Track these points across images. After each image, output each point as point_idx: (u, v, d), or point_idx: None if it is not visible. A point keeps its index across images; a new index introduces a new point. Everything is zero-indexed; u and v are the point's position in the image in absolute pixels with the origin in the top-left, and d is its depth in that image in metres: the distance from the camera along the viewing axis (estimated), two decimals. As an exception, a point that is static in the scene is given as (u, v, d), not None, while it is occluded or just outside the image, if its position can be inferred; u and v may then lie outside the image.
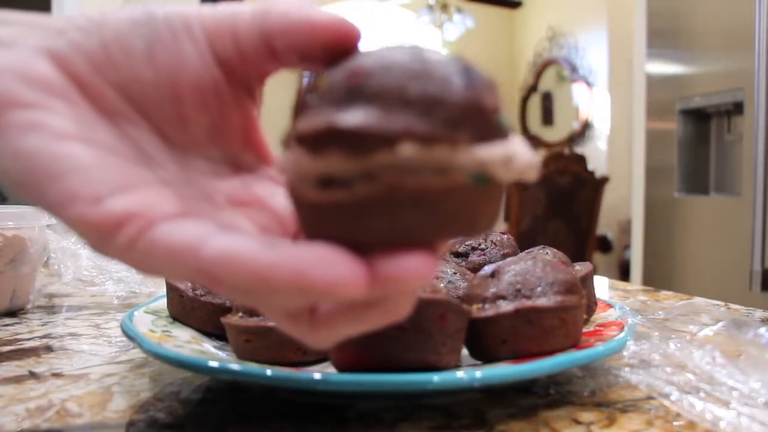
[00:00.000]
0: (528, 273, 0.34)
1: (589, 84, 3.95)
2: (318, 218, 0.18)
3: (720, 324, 0.44)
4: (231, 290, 0.18)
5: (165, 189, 0.20)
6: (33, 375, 0.37)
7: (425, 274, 0.17)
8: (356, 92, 0.17)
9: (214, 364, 0.30)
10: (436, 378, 0.28)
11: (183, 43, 0.21)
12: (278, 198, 0.23)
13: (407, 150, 0.16)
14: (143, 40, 0.20)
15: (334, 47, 0.20)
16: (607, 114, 3.85)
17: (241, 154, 0.24)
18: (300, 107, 0.19)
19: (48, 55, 0.20)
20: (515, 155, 0.17)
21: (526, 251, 0.44)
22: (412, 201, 0.17)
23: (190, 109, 0.21)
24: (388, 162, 0.16)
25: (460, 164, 0.17)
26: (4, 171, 0.18)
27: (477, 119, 0.17)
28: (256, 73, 0.22)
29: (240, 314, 0.37)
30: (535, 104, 4.45)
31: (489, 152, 0.17)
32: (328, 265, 0.16)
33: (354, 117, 0.17)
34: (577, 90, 4.04)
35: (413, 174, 0.16)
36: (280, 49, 0.21)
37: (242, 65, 0.21)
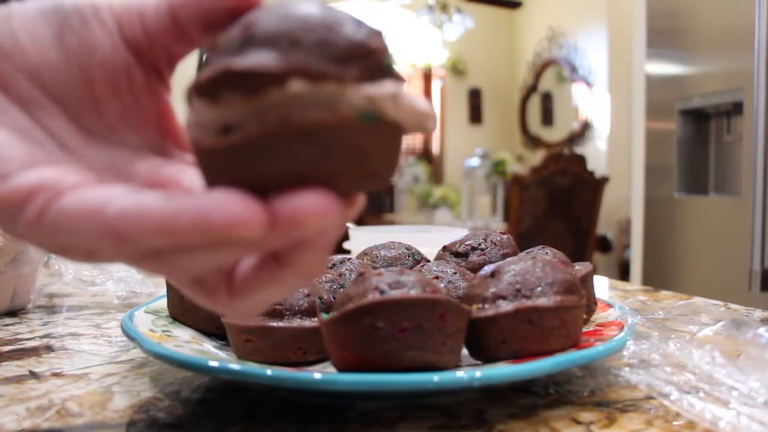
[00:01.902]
0: (528, 273, 0.35)
1: (588, 84, 3.95)
2: (217, 165, 0.18)
3: (719, 324, 0.44)
4: (141, 254, 0.18)
5: (77, 165, 0.20)
6: (33, 375, 0.37)
7: (324, 212, 0.17)
8: (249, 40, 0.18)
9: (214, 363, 0.30)
10: (436, 378, 0.28)
11: (92, 27, 0.21)
12: (193, 179, 0.23)
13: (296, 86, 0.17)
14: (52, 26, 0.21)
15: (238, 10, 0.21)
16: (606, 114, 3.85)
17: (158, 141, 0.24)
18: (199, 68, 0.19)
19: None
20: (403, 94, 0.18)
21: (526, 251, 0.44)
22: (302, 136, 0.17)
23: (103, 93, 0.22)
24: (279, 99, 0.17)
25: (347, 99, 0.17)
26: None
27: (364, 58, 0.18)
28: (165, 56, 0.23)
29: (240, 314, 0.37)
30: (534, 104, 4.45)
31: (376, 89, 0.18)
32: (227, 205, 0.17)
33: (246, 59, 0.17)
34: (577, 90, 4.04)
35: (302, 109, 0.17)
36: (186, 20, 0.21)
37: (150, 46, 0.22)
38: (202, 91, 0.18)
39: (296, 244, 0.19)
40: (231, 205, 0.17)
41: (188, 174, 0.23)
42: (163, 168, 0.23)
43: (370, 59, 0.18)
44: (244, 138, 0.17)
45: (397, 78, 0.19)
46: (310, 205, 0.17)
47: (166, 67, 0.23)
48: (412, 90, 0.20)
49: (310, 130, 0.17)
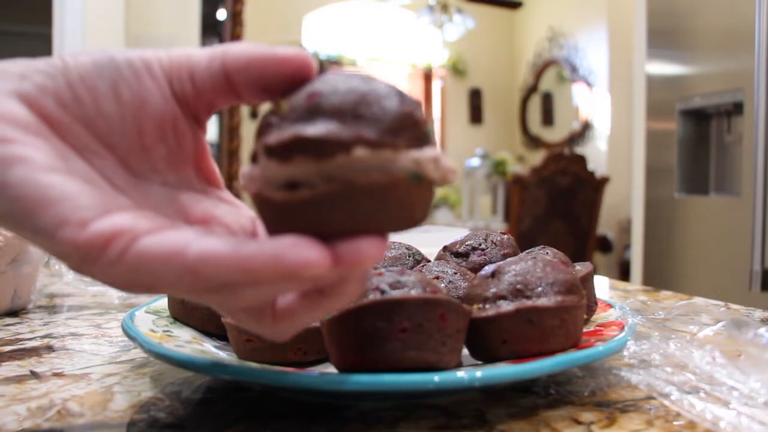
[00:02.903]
0: (528, 273, 0.35)
1: (589, 84, 3.94)
2: (285, 216, 0.21)
3: (720, 324, 0.44)
4: (211, 288, 0.20)
5: (142, 210, 0.22)
6: (34, 375, 0.37)
7: (377, 255, 0.21)
8: (315, 110, 0.21)
9: (214, 363, 0.30)
10: (436, 378, 0.28)
11: (144, 81, 0.23)
12: (226, 213, 0.26)
13: (360, 153, 0.20)
14: (107, 79, 0.22)
15: (296, 77, 0.23)
16: (607, 114, 3.85)
17: (194, 178, 0.26)
18: (263, 128, 0.22)
19: (18, 97, 0.21)
20: (442, 158, 0.22)
21: (527, 251, 0.44)
22: (363, 194, 0.20)
23: (151, 140, 0.24)
24: (345, 163, 0.20)
25: (400, 164, 0.21)
26: None
27: (411, 129, 0.21)
28: (206, 106, 0.25)
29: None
30: (535, 104, 4.45)
31: (422, 154, 0.21)
32: (300, 249, 0.20)
33: (317, 128, 0.20)
34: (577, 90, 4.04)
35: (364, 172, 0.20)
36: (241, 82, 0.23)
37: (196, 99, 0.24)
38: (273, 151, 0.21)
39: (342, 278, 0.22)
40: (303, 249, 0.20)
41: (222, 209, 0.26)
42: (201, 203, 0.26)
43: (415, 129, 0.22)
44: (313, 194, 0.20)
45: (434, 143, 0.22)
46: (368, 249, 0.20)
47: (205, 115, 0.25)
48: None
49: (369, 189, 0.20)
